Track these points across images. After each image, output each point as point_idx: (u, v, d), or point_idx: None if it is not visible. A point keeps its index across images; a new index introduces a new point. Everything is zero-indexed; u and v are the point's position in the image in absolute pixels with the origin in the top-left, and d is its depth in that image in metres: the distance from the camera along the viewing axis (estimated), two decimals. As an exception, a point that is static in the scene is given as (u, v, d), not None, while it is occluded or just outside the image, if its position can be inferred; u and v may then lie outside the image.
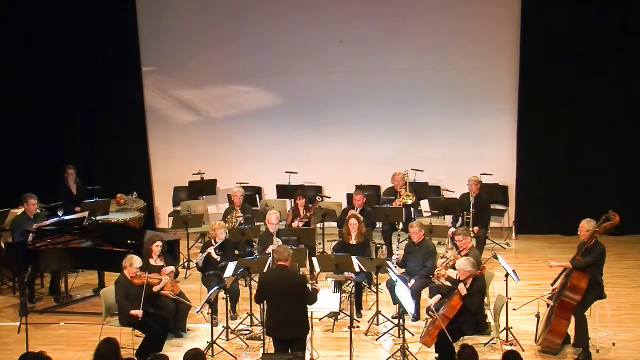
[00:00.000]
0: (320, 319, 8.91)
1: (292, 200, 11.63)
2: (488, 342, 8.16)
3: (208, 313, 8.47)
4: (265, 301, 7.40)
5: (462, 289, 7.74)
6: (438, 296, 8.19)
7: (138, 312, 7.98)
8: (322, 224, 11.03)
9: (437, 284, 8.89)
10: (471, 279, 7.83)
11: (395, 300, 8.56)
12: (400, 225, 10.91)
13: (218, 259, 9.19)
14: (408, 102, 12.91)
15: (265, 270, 8.70)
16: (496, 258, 8.54)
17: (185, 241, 11.08)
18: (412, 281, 8.99)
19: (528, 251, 11.93)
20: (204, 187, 12.76)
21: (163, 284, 8.44)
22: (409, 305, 8.09)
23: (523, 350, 7.93)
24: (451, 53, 12.64)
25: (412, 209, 11.50)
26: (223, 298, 8.74)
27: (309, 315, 7.55)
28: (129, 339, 8.17)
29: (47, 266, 9.77)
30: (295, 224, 10.79)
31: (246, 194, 11.34)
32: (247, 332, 8.74)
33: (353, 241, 9.54)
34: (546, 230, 12.55)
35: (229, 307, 8.81)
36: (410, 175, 11.80)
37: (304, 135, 13.18)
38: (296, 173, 12.58)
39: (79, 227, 10.18)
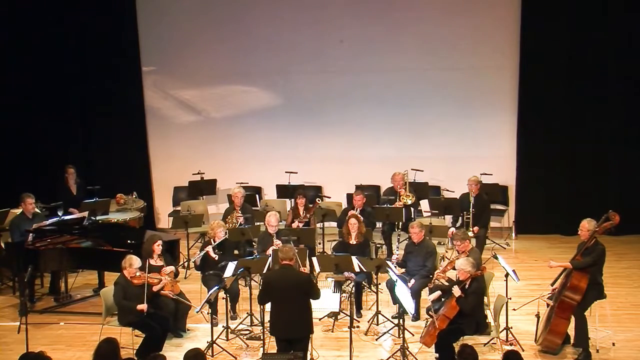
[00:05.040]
0: (320, 319, 8.91)
1: (292, 200, 11.63)
2: (488, 342, 8.16)
3: (208, 313, 8.46)
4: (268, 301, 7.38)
5: (457, 291, 7.73)
6: (438, 293, 8.20)
7: (144, 306, 7.99)
8: (322, 224, 11.03)
9: (437, 284, 8.88)
10: (470, 279, 7.83)
11: (395, 300, 8.56)
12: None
13: (216, 258, 9.20)
14: (408, 102, 12.91)
15: (265, 271, 8.72)
16: (496, 258, 8.54)
17: (185, 241, 11.08)
18: (412, 281, 8.99)
19: (528, 251, 11.93)
20: (204, 187, 12.76)
21: (163, 284, 8.42)
22: (409, 305, 8.09)
23: (523, 350, 7.92)
24: (451, 53, 12.64)
25: (412, 209, 11.49)
26: (223, 298, 8.75)
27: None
28: (129, 339, 8.17)
29: (47, 266, 9.77)
30: (295, 224, 10.78)
31: (246, 194, 11.32)
32: (247, 332, 8.74)
33: (353, 241, 9.54)
34: (546, 230, 12.55)
35: (229, 307, 8.81)
36: (410, 175, 11.80)
37: (304, 135, 13.18)
38: (296, 173, 12.57)
39: (79, 227, 10.19)
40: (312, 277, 8.26)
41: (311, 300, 7.25)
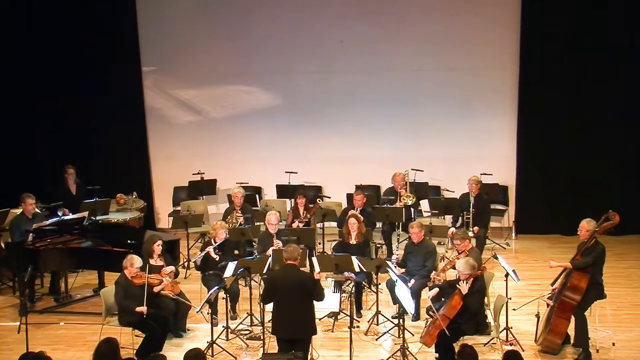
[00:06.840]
0: (320, 319, 8.89)
1: (292, 200, 11.63)
2: (488, 342, 8.16)
3: (208, 313, 8.46)
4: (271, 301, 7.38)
5: (464, 287, 7.74)
6: (436, 290, 8.19)
7: (143, 309, 7.99)
8: (322, 224, 11.03)
9: (436, 284, 8.88)
10: (472, 279, 7.83)
11: (395, 300, 8.56)
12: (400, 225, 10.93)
13: (217, 259, 9.19)
14: (408, 102, 12.91)
15: (265, 271, 8.72)
16: (496, 258, 8.54)
17: (185, 241, 11.08)
18: (412, 281, 8.99)
19: (528, 251, 11.93)
20: (204, 187, 12.76)
21: (164, 285, 8.43)
22: (409, 305, 8.09)
23: (523, 350, 7.92)
24: (451, 53, 12.64)
25: (412, 209, 11.50)
26: (223, 298, 8.75)
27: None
28: (129, 339, 8.17)
29: (47, 266, 9.77)
30: (295, 224, 10.78)
31: (246, 194, 11.32)
32: (247, 332, 8.75)
33: (353, 241, 9.54)
34: (546, 230, 12.55)
35: (229, 307, 8.82)
36: (410, 175, 11.80)
37: (304, 135, 13.18)
38: (296, 173, 12.58)
39: (79, 227, 10.19)
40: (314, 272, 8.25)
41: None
